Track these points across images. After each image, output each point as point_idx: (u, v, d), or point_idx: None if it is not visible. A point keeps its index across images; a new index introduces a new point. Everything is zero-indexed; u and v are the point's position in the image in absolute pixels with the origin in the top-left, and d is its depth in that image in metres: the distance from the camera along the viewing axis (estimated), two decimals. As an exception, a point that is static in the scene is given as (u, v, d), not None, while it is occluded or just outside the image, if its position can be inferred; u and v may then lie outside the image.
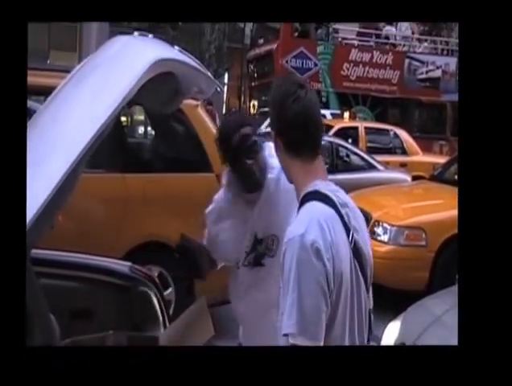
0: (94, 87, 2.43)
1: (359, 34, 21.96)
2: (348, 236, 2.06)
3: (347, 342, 2.06)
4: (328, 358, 1.91)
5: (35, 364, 1.83)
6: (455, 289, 5.13)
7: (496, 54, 1.95)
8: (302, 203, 2.10)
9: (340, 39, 21.60)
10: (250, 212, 2.98)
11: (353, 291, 2.06)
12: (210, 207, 3.13)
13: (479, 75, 1.96)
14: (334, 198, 2.08)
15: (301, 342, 1.92)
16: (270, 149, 2.95)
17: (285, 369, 1.88)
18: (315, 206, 2.04)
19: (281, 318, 1.99)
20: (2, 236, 1.85)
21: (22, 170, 1.92)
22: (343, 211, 2.07)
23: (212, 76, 3.14)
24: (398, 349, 2.15)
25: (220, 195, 3.12)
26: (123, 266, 3.68)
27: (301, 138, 2.12)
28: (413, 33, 22.76)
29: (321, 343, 1.95)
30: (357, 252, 2.09)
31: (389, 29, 22.23)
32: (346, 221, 2.07)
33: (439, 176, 9.21)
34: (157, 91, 2.86)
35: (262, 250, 2.98)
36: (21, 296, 1.85)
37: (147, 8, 2.07)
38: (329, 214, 2.03)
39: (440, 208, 7.51)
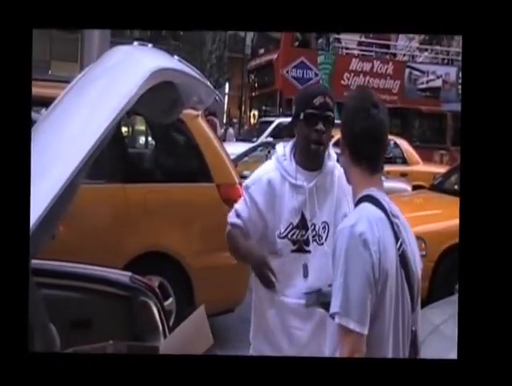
0: (94, 96, 2.44)
1: (360, 43, 22.01)
2: (396, 243, 2.17)
3: (390, 342, 2.15)
4: (326, 367, 1.92)
5: (38, 369, 1.84)
6: (454, 298, 5.13)
7: (499, 66, 1.96)
8: (356, 204, 2.24)
9: (341, 49, 21.62)
10: (303, 190, 2.98)
11: (397, 297, 2.16)
12: (251, 182, 3.11)
13: (482, 86, 1.97)
14: (386, 206, 2.20)
15: (346, 322, 2.05)
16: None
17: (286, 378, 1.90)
18: (367, 206, 2.19)
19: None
20: (4, 246, 1.85)
21: (26, 180, 1.92)
22: (393, 220, 2.19)
23: (211, 86, 3.15)
24: (396, 361, 2.15)
25: (265, 170, 3.10)
26: (123, 276, 3.67)
27: (365, 152, 2.25)
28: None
29: (365, 330, 2.06)
30: (403, 262, 2.18)
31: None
32: (396, 230, 2.19)
33: (439, 186, 9.20)
34: (156, 100, 2.86)
35: (309, 236, 2.96)
36: (23, 302, 1.86)
37: (151, 16, 2.07)
38: (380, 216, 2.17)
39: (440, 218, 7.50)
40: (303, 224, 2.97)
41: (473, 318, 1.90)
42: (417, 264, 2.27)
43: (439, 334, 3.86)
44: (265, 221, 3.04)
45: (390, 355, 2.14)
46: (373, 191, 2.22)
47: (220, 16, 2.10)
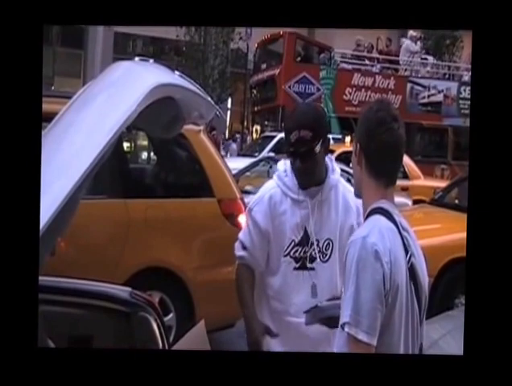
0: (94, 112, 2.45)
1: (362, 58, 22.07)
2: (406, 256, 2.17)
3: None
4: (333, 366, 1.93)
5: (46, 365, 1.85)
6: (453, 313, 5.13)
7: (510, 62, 1.96)
8: (367, 216, 2.24)
9: (342, 65, 21.68)
10: (305, 206, 2.96)
11: (407, 310, 2.16)
12: (254, 206, 3.10)
13: (492, 84, 1.97)
14: (396, 218, 2.21)
15: (355, 333, 2.05)
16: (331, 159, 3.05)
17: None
18: (378, 218, 2.19)
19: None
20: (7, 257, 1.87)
21: (36, 192, 1.94)
22: (403, 234, 2.19)
23: (211, 101, 3.17)
24: (402, 358, 2.16)
25: (265, 191, 3.09)
26: (123, 292, 3.67)
27: (384, 165, 2.26)
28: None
29: (374, 341, 2.06)
30: (413, 275, 2.19)
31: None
32: (405, 243, 2.19)
33: (439, 200, 9.19)
34: (157, 116, 2.87)
35: (313, 253, 2.94)
36: (33, 298, 1.87)
37: (159, 11, 2.08)
38: (391, 228, 2.18)
39: (440, 232, 7.49)
40: (306, 241, 2.96)
41: (479, 314, 1.91)
42: (425, 278, 2.28)
43: (437, 349, 3.85)
44: (269, 241, 3.04)
45: None
46: (384, 204, 2.22)
47: (219, 11, 2.10)
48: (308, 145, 2.89)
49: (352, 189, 2.98)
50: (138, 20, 2.13)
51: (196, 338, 3.04)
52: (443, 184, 12.30)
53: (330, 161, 3.07)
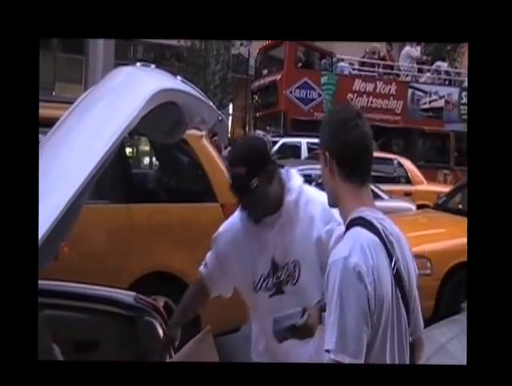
0: (96, 117, 2.45)
1: (363, 64, 22.10)
2: (390, 263, 2.11)
3: (388, 361, 2.10)
4: (335, 375, 1.92)
5: (46, 378, 1.84)
6: (460, 317, 5.12)
7: (506, 73, 1.95)
8: (347, 228, 2.17)
9: (346, 71, 21.70)
10: (266, 235, 2.91)
11: (393, 318, 2.11)
12: (221, 230, 3.08)
13: (489, 96, 1.96)
14: (379, 226, 2.14)
15: (341, 359, 1.99)
16: (288, 173, 2.97)
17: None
18: (359, 232, 2.11)
19: (324, 336, 2.07)
20: (8, 265, 1.86)
21: (34, 201, 1.93)
22: (387, 240, 2.13)
23: (213, 106, 3.16)
24: (405, 368, 2.15)
25: (232, 219, 3.06)
26: (128, 296, 3.67)
27: (357, 163, 2.20)
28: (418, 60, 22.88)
29: (361, 361, 2.01)
30: (399, 281, 2.14)
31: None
32: (390, 249, 2.13)
33: (443, 205, 9.20)
34: (160, 121, 2.87)
35: (283, 277, 2.90)
36: (32, 310, 1.86)
37: (154, 24, 2.08)
38: (373, 240, 2.10)
39: (445, 237, 7.50)
40: (275, 269, 2.92)
41: (483, 323, 1.90)
42: (412, 280, 2.22)
43: (445, 352, 3.84)
44: (232, 277, 3.04)
45: None
46: (364, 212, 2.16)
47: (220, 25, 2.10)
48: (244, 180, 2.83)
49: (317, 196, 2.95)
50: (136, 33, 2.13)
51: (202, 344, 3.02)
52: (446, 189, 12.31)
53: (287, 181, 2.96)
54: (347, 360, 1.99)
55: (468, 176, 2.01)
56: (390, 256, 2.12)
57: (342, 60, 21.81)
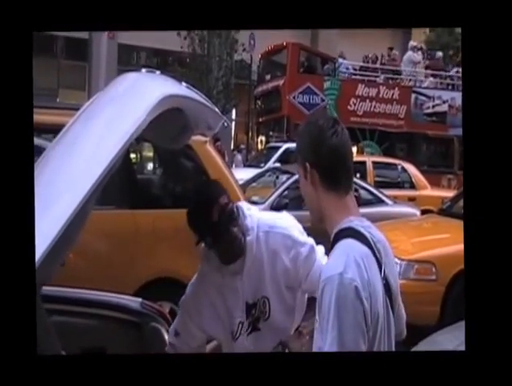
0: (103, 123, 2.44)
1: (366, 68, 22.12)
2: (380, 272, 2.07)
3: None
4: (339, 363, 1.91)
5: (46, 372, 1.84)
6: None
7: (500, 59, 1.94)
8: (336, 239, 2.09)
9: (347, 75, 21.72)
10: (236, 284, 2.87)
11: (384, 328, 2.07)
12: (188, 293, 3.03)
13: (483, 82, 1.95)
14: (367, 235, 2.08)
15: None
16: (241, 212, 2.88)
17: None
18: (351, 244, 2.05)
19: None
20: (12, 274, 1.85)
21: (31, 207, 1.92)
22: (375, 248, 2.08)
23: (218, 111, 3.16)
24: (404, 354, 2.14)
25: (197, 281, 3.04)
26: (134, 302, 3.66)
27: (339, 170, 2.14)
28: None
29: None
30: (387, 287, 2.10)
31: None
32: (378, 257, 2.08)
33: (447, 210, 9.18)
34: (165, 127, 2.87)
35: (256, 314, 2.89)
36: (31, 305, 1.86)
37: (151, 16, 2.06)
38: (364, 252, 2.04)
39: (450, 242, 7.46)
40: (249, 310, 2.90)
41: (481, 309, 1.89)
42: (396, 283, 2.19)
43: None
44: (209, 333, 3.00)
45: None
46: (351, 222, 2.10)
47: (218, 15, 2.09)
48: (198, 236, 2.87)
49: (276, 224, 2.92)
50: (130, 25, 2.11)
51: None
52: (450, 194, 12.29)
53: (244, 220, 2.88)
54: None
55: (465, 181, 1.99)
56: (379, 264, 2.07)
57: (344, 58, 21.82)
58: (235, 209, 2.83)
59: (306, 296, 2.98)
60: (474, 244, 1.93)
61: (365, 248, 2.04)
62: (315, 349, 2.04)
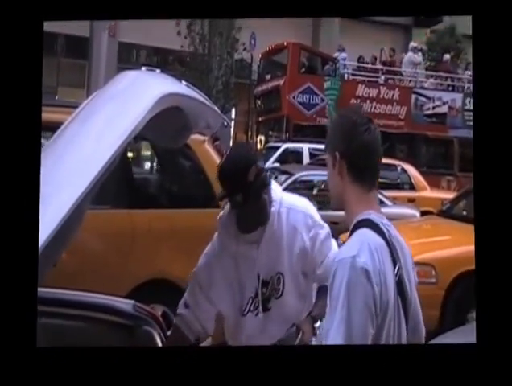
0: (102, 121, 2.43)
1: (366, 69, 22.13)
2: (394, 269, 2.11)
3: None
4: (348, 355, 1.93)
5: (45, 365, 1.82)
6: (466, 328, 5.06)
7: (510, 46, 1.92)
8: (354, 229, 2.14)
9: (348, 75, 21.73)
10: (252, 253, 2.86)
11: (394, 326, 2.10)
12: (201, 263, 3.00)
13: (494, 71, 1.93)
14: (384, 230, 2.14)
15: None
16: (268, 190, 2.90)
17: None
18: (367, 233, 2.11)
19: (326, 334, 2.04)
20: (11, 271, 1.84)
21: (35, 201, 1.89)
22: (391, 244, 2.13)
23: (218, 110, 3.13)
24: (414, 347, 2.14)
25: (211, 249, 3.00)
26: (126, 305, 3.62)
27: (367, 166, 2.21)
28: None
29: None
30: (400, 288, 2.13)
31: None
32: (394, 254, 2.13)
33: (447, 212, 9.15)
34: (164, 126, 2.85)
35: (268, 293, 2.87)
36: (31, 298, 1.83)
37: (159, 5, 2.05)
38: (379, 243, 2.09)
39: (450, 244, 7.43)
40: (261, 287, 2.87)
41: (491, 303, 1.86)
42: (412, 289, 2.22)
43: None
44: (219, 306, 2.96)
45: None
46: (372, 215, 2.16)
47: (221, 4, 2.07)
48: (229, 194, 2.83)
49: (298, 204, 2.98)
50: (137, 14, 2.09)
51: None
52: (450, 195, 12.28)
53: (269, 192, 2.90)
54: None
55: (475, 182, 1.98)
56: (393, 261, 2.12)
57: (343, 50, 21.78)
58: (268, 177, 2.86)
59: (315, 289, 2.98)
60: (484, 246, 1.92)
61: (380, 240, 2.10)
62: (323, 331, 2.10)
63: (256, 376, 1.97)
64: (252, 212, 2.84)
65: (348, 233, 2.17)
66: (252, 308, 2.88)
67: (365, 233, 2.11)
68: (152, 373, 1.94)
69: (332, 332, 2.01)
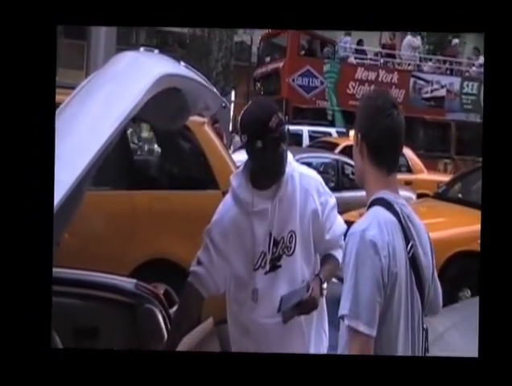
0: (100, 102, 2.42)
1: (365, 52, 22.05)
2: (406, 245, 2.19)
3: (401, 343, 2.17)
4: (345, 366, 1.93)
5: (59, 365, 1.85)
6: (458, 306, 5.11)
7: None
8: (369, 207, 2.25)
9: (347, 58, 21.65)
10: (265, 209, 2.89)
11: (407, 301, 2.19)
12: (215, 219, 3.01)
13: (505, 86, 1.96)
14: (398, 209, 2.22)
15: (355, 325, 2.08)
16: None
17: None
18: (378, 210, 2.21)
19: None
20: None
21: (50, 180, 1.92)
22: (404, 223, 2.21)
23: (217, 92, 3.14)
24: (415, 360, 2.17)
25: (225, 204, 3.02)
26: (128, 283, 3.66)
27: (386, 151, 2.27)
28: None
29: (374, 332, 2.09)
30: (414, 264, 2.21)
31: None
32: (407, 233, 2.21)
33: (443, 194, 9.17)
34: (163, 107, 2.86)
35: (280, 251, 2.91)
36: (46, 299, 1.87)
37: (170, 13, 2.08)
38: (390, 220, 2.19)
39: (444, 226, 7.46)
40: (273, 245, 2.91)
41: (494, 315, 1.90)
42: (429, 268, 2.30)
43: (442, 342, 3.83)
44: (231, 262, 2.96)
45: (401, 354, 2.17)
46: (386, 194, 2.23)
47: (222, 14, 2.10)
48: (248, 141, 2.86)
49: (308, 171, 3.09)
50: (148, 21, 2.13)
51: (204, 336, 3.01)
52: (446, 178, 12.28)
53: (286, 146, 2.96)
54: (361, 328, 2.07)
55: (483, 165, 2.02)
56: (406, 239, 2.20)
57: (350, 35, 21.65)
58: (287, 132, 2.93)
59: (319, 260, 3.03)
60: (491, 229, 1.95)
61: (390, 216, 2.19)
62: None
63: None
64: (269, 163, 2.88)
65: (366, 210, 2.26)
66: (263, 264, 2.91)
67: (376, 210, 2.21)
68: (163, 377, 1.96)
69: (342, 299, 2.13)
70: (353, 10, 2.06)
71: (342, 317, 2.12)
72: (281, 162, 2.89)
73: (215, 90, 3.10)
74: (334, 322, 2.64)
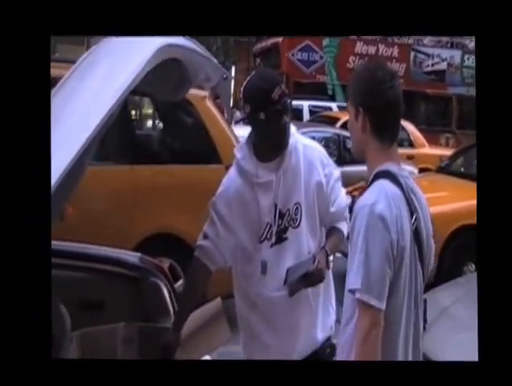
0: (101, 73, 2.41)
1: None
2: (410, 218, 2.20)
3: (404, 317, 2.19)
4: (344, 370, 1.96)
5: (60, 376, 1.85)
6: (462, 280, 5.13)
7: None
8: (373, 180, 2.24)
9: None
10: (270, 180, 2.88)
11: (411, 274, 2.20)
12: (220, 191, 2.98)
13: (496, 88, 1.95)
14: (402, 182, 2.22)
15: (367, 299, 2.09)
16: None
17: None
18: (384, 183, 2.20)
19: (348, 276, 2.16)
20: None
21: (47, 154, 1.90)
22: (408, 196, 2.22)
23: (217, 63, 3.12)
24: (417, 365, 2.18)
25: (230, 176, 2.99)
26: (133, 257, 3.66)
27: (389, 122, 2.27)
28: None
29: (384, 305, 2.10)
30: (417, 239, 2.23)
31: None
32: (411, 205, 2.22)
33: (445, 168, 9.17)
34: (164, 78, 2.84)
35: (286, 223, 2.89)
36: (46, 310, 1.86)
37: (166, 21, 2.06)
38: (396, 193, 2.18)
39: (447, 200, 7.47)
40: (279, 216, 2.89)
41: (495, 320, 1.90)
42: (430, 241, 2.30)
43: (448, 315, 3.85)
44: (237, 234, 2.94)
45: (404, 327, 2.19)
46: (390, 166, 2.23)
47: (221, 21, 2.08)
48: (250, 112, 2.84)
49: (311, 143, 3.06)
50: (147, 30, 2.11)
51: (212, 315, 3.00)
52: (448, 152, 12.26)
53: (289, 118, 2.93)
54: (373, 302, 2.08)
55: (478, 138, 2.00)
56: (410, 212, 2.20)
57: None
58: (290, 104, 2.89)
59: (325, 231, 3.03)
60: (487, 203, 1.95)
61: (396, 190, 2.19)
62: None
63: None
64: (272, 135, 2.86)
65: (368, 183, 2.25)
66: (269, 236, 2.90)
67: (382, 183, 2.19)
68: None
69: (351, 274, 2.13)
70: (342, 15, 2.04)
71: (353, 291, 2.12)
72: (284, 135, 2.86)
73: (215, 61, 3.07)
74: (339, 296, 2.65)
